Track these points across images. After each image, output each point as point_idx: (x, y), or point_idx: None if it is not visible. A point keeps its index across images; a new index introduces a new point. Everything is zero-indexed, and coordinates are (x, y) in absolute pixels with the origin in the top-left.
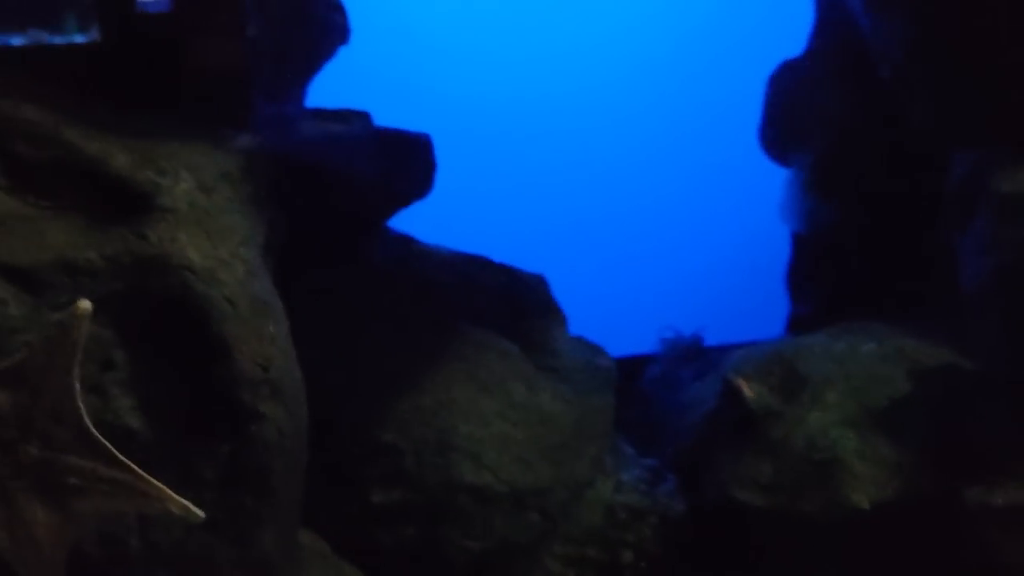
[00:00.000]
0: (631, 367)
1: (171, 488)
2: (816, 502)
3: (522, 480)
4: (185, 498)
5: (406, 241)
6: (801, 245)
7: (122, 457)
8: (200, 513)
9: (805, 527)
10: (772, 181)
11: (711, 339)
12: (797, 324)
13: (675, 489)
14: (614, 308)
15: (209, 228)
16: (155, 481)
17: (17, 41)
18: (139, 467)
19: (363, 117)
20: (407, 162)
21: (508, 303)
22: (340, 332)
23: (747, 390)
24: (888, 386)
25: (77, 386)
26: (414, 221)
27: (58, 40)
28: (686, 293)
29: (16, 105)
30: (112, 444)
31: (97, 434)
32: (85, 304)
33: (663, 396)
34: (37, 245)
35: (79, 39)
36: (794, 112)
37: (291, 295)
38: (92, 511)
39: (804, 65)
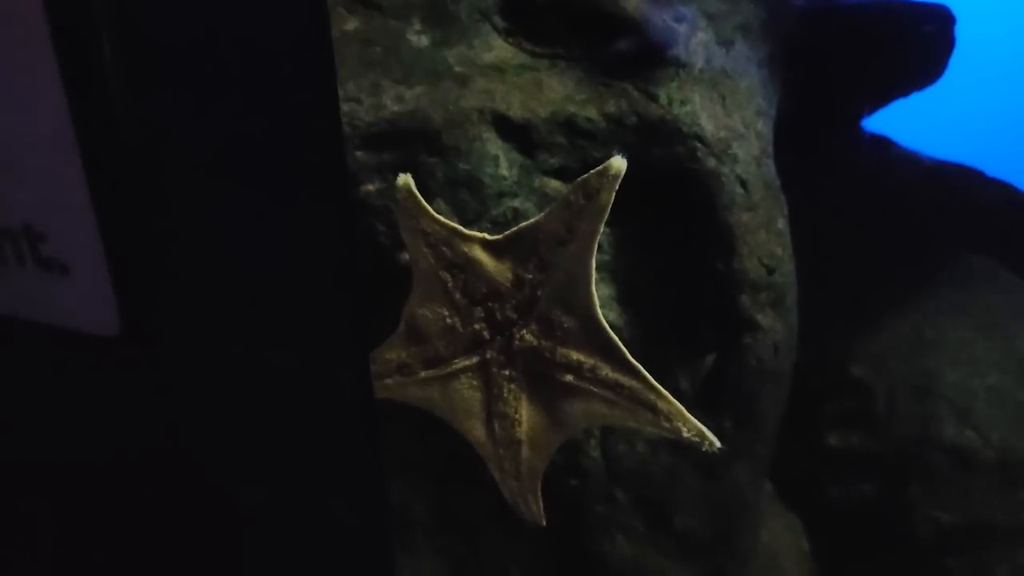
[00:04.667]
0: None
1: None
2: None
3: (1018, 448)
4: None
5: (884, 143)
6: None
7: (634, 361)
8: (717, 442)
9: None
10: None
11: None
12: None
13: None
14: None
15: (724, 91)
16: (669, 395)
17: None
18: None
19: None
20: (921, 41)
21: (1007, 226)
22: (805, 234)
23: None
24: None
25: (593, 264)
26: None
27: None
28: None
29: None
30: None
31: (608, 328)
32: (620, 162)
33: None
34: (534, 98)
35: None
36: None
37: None
38: (583, 417)
39: None
